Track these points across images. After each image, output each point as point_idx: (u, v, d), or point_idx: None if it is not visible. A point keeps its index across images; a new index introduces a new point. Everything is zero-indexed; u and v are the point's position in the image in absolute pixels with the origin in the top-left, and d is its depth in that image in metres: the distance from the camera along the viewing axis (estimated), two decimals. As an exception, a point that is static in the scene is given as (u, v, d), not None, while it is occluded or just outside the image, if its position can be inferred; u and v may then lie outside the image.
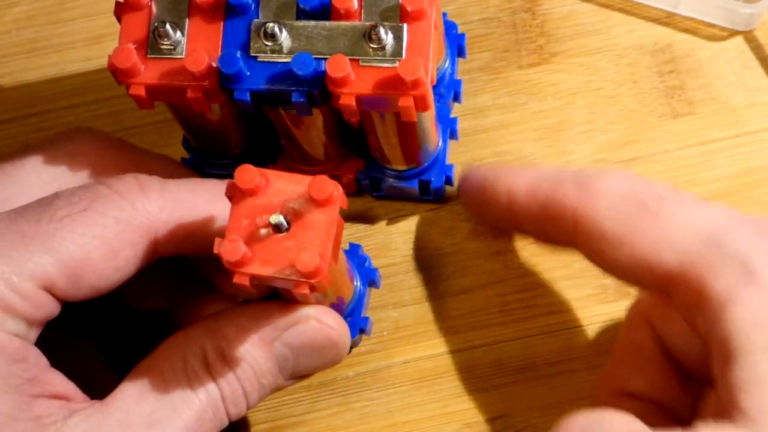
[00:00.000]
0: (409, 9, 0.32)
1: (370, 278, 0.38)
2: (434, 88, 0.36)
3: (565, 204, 0.33)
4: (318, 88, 0.33)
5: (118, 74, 0.33)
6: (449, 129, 0.39)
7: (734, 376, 0.29)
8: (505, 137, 0.42)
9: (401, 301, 0.40)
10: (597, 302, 0.39)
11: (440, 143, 0.39)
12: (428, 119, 0.36)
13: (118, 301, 0.36)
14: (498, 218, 0.37)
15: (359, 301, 0.37)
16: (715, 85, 0.42)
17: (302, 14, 0.33)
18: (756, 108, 0.42)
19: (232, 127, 0.38)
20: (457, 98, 0.41)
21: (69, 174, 0.35)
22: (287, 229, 0.30)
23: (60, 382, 0.32)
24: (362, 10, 0.33)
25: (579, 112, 0.42)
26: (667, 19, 0.43)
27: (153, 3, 0.34)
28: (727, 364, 0.29)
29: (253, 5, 0.34)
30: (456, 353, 0.39)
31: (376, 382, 0.39)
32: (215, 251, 0.30)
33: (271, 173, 0.31)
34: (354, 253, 0.38)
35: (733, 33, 0.43)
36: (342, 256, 0.34)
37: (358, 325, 0.37)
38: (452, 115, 0.40)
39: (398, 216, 0.41)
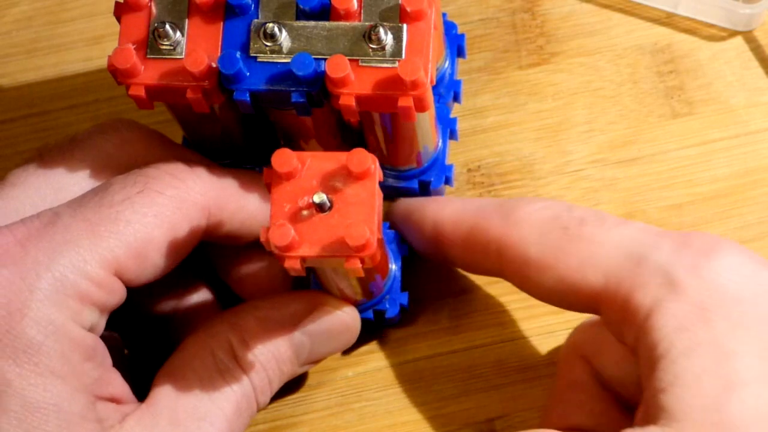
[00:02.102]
0: (408, 9, 0.32)
1: (403, 254, 0.38)
2: (434, 88, 0.36)
3: (489, 233, 0.34)
4: (318, 89, 0.33)
5: (117, 75, 0.33)
6: (449, 129, 0.39)
7: (657, 379, 0.29)
8: (505, 137, 0.42)
9: (401, 301, 0.40)
10: (597, 302, 0.39)
11: (440, 143, 0.39)
12: (428, 119, 0.36)
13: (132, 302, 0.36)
14: (424, 248, 0.38)
15: (396, 278, 0.38)
16: (715, 86, 0.42)
17: (302, 14, 0.33)
18: (755, 108, 0.42)
19: (232, 127, 0.38)
20: (456, 98, 0.41)
21: (118, 163, 0.35)
22: (330, 208, 0.30)
23: (119, 383, 0.32)
24: (362, 11, 0.33)
25: (579, 112, 0.42)
26: (667, 20, 0.43)
27: (153, 3, 0.34)
28: (652, 370, 0.30)
29: (253, 5, 0.34)
30: (456, 353, 0.39)
31: (376, 382, 0.39)
32: (262, 239, 0.30)
33: (305, 154, 0.31)
34: (383, 231, 0.38)
35: (733, 33, 0.43)
36: (381, 229, 0.34)
37: (398, 301, 0.38)
38: (452, 116, 0.40)
39: (398, 216, 0.41)
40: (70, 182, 0.34)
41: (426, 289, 0.40)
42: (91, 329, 0.31)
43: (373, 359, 0.39)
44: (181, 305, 0.37)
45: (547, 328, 0.39)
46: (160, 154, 0.35)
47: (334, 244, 0.30)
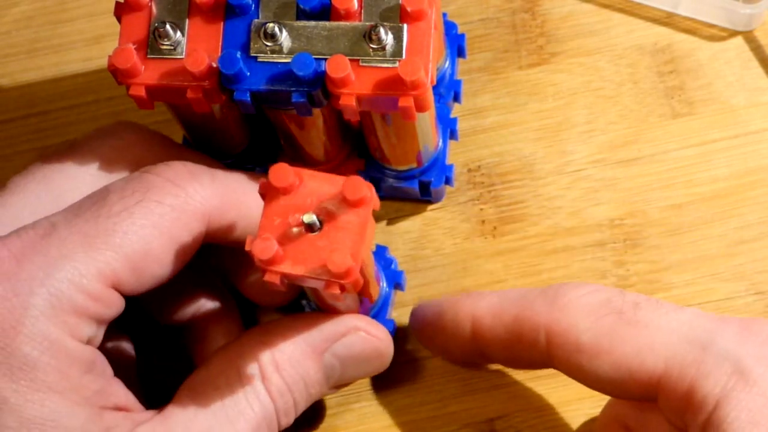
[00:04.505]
0: (409, 9, 0.32)
1: (395, 280, 0.38)
2: (434, 88, 0.36)
3: (536, 321, 0.32)
4: (318, 89, 0.33)
5: (118, 74, 0.33)
6: (449, 129, 0.39)
7: None
8: (505, 137, 0.42)
9: (401, 301, 0.40)
10: (597, 302, 0.39)
11: (440, 143, 0.39)
12: (428, 119, 0.36)
13: (144, 309, 0.36)
14: (460, 349, 0.36)
15: (385, 303, 0.38)
16: (715, 86, 0.42)
17: (302, 14, 0.33)
18: (756, 108, 0.42)
19: (232, 127, 0.38)
20: (457, 98, 0.41)
21: (118, 167, 0.35)
22: (319, 229, 0.30)
23: (123, 393, 0.32)
24: (362, 11, 0.33)
25: (579, 112, 0.42)
26: (667, 20, 0.43)
27: (153, 3, 0.34)
28: None
29: (253, 5, 0.34)
30: (456, 353, 0.39)
31: (376, 382, 0.39)
32: (247, 248, 0.30)
33: (305, 172, 0.31)
34: (381, 255, 0.38)
35: (733, 33, 0.43)
36: (371, 256, 0.34)
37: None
38: (452, 116, 0.40)
39: (398, 216, 0.41)
40: (70, 188, 0.34)
41: (426, 289, 0.40)
42: (89, 342, 0.31)
43: (374, 359, 0.39)
44: (195, 311, 0.37)
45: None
46: (162, 155, 0.35)
47: (317, 266, 0.30)
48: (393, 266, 0.38)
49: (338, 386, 0.36)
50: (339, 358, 0.34)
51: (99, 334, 0.31)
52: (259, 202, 0.33)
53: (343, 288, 0.30)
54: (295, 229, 0.30)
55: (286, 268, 0.30)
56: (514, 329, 0.33)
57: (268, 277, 0.30)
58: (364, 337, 0.34)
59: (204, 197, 0.32)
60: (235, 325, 0.37)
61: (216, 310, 0.37)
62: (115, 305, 0.31)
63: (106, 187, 0.33)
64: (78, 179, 0.34)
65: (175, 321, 0.37)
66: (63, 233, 0.31)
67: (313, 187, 0.31)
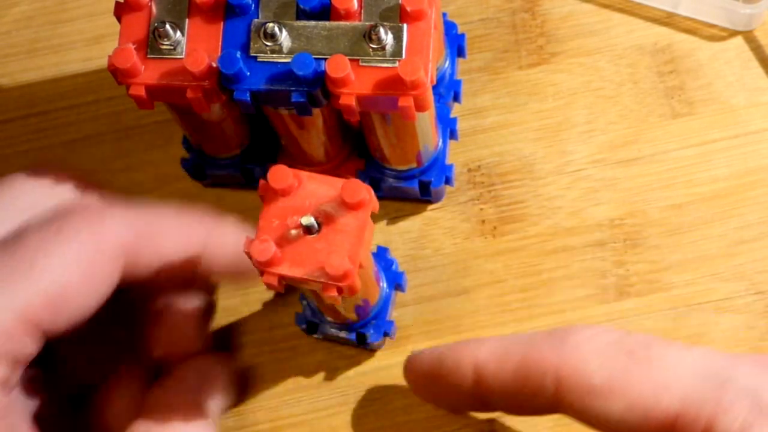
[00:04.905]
0: (408, 9, 0.32)
1: (396, 281, 0.38)
2: (434, 88, 0.36)
3: (544, 364, 0.31)
4: (318, 88, 0.33)
5: (118, 74, 0.33)
6: (449, 129, 0.39)
7: None
8: (505, 137, 0.42)
9: (402, 301, 0.40)
10: (597, 302, 0.39)
11: (440, 143, 0.39)
12: (428, 119, 0.36)
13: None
14: (461, 398, 0.34)
15: (385, 304, 0.38)
16: (715, 86, 0.42)
17: (302, 14, 0.33)
18: (756, 108, 0.42)
19: (232, 127, 0.38)
20: (457, 98, 0.41)
21: (39, 202, 0.34)
22: (318, 231, 0.30)
23: None
24: (362, 11, 0.33)
25: (579, 112, 0.42)
26: (667, 20, 0.43)
27: (153, 3, 0.34)
28: None
29: (253, 5, 0.34)
30: (456, 353, 0.39)
31: (377, 382, 0.39)
32: (244, 250, 0.30)
33: (304, 174, 0.31)
34: (381, 256, 0.38)
35: (733, 33, 0.43)
36: (370, 258, 0.34)
37: (382, 329, 0.37)
38: (452, 115, 0.40)
39: (398, 216, 0.41)
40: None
41: (426, 289, 0.40)
42: (2, 384, 0.30)
43: (374, 359, 0.39)
44: (100, 372, 0.36)
45: (547, 328, 0.39)
46: (78, 193, 0.35)
47: (315, 268, 0.30)
48: (394, 267, 0.38)
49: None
50: (216, 402, 0.35)
51: (14, 376, 0.31)
52: (178, 241, 0.33)
53: (340, 290, 0.30)
54: (293, 231, 0.30)
55: (285, 269, 0.30)
56: (520, 374, 0.32)
57: (266, 279, 0.30)
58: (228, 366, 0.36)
59: (120, 230, 0.32)
60: (137, 386, 0.36)
61: (120, 372, 0.36)
62: (31, 344, 0.30)
63: (26, 222, 0.32)
64: (10, 210, 0.33)
65: (80, 379, 0.36)
66: None
67: (311, 189, 0.31)
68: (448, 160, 0.40)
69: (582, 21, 0.44)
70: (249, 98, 0.33)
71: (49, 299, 0.30)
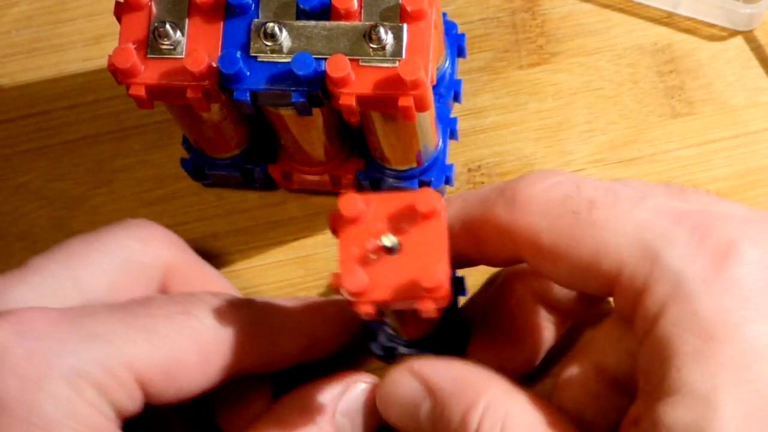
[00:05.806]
0: (409, 9, 0.32)
1: (450, 128, 0.38)
2: (434, 88, 0.36)
3: (499, 224, 0.32)
4: (318, 88, 0.33)
5: (118, 74, 0.33)
6: (449, 129, 0.39)
7: (666, 385, 0.29)
8: (505, 137, 0.42)
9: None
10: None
11: (440, 143, 0.39)
12: (428, 119, 0.36)
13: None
14: None
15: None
16: (715, 85, 0.42)
17: (302, 14, 0.33)
18: (756, 108, 0.42)
19: (232, 127, 0.38)
20: (457, 98, 0.41)
21: (140, 260, 0.35)
22: (399, 249, 0.30)
23: None
24: (362, 10, 0.33)
25: (579, 112, 0.42)
26: (667, 19, 0.43)
27: (153, 3, 0.34)
28: (653, 382, 0.29)
29: (253, 5, 0.34)
30: (456, 353, 0.39)
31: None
32: (333, 286, 0.29)
33: (370, 196, 0.30)
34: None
35: (733, 33, 0.43)
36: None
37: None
38: (452, 115, 0.40)
39: (398, 216, 0.41)
40: (91, 274, 0.34)
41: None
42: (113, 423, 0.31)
43: (374, 359, 0.39)
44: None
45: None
46: (183, 258, 0.36)
47: (407, 286, 0.29)
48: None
49: None
50: (347, 415, 0.35)
51: (116, 429, 0.31)
52: (289, 339, 0.34)
53: (438, 303, 0.29)
54: (373, 255, 0.29)
55: (378, 295, 0.29)
56: (481, 235, 0.33)
57: (363, 309, 0.29)
58: (365, 388, 0.35)
59: (240, 325, 0.33)
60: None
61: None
62: (135, 400, 0.31)
63: (149, 295, 0.33)
64: (99, 267, 0.34)
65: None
66: (103, 317, 0.31)
67: (381, 209, 0.30)
68: (448, 160, 0.40)
69: (582, 21, 0.44)
70: (249, 98, 0.33)
71: (162, 364, 0.31)
